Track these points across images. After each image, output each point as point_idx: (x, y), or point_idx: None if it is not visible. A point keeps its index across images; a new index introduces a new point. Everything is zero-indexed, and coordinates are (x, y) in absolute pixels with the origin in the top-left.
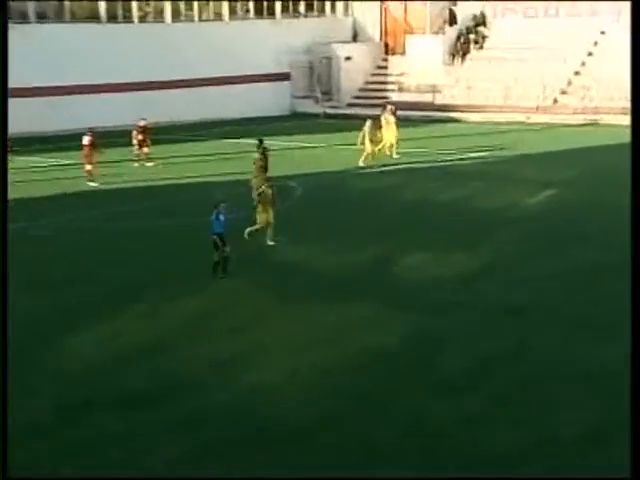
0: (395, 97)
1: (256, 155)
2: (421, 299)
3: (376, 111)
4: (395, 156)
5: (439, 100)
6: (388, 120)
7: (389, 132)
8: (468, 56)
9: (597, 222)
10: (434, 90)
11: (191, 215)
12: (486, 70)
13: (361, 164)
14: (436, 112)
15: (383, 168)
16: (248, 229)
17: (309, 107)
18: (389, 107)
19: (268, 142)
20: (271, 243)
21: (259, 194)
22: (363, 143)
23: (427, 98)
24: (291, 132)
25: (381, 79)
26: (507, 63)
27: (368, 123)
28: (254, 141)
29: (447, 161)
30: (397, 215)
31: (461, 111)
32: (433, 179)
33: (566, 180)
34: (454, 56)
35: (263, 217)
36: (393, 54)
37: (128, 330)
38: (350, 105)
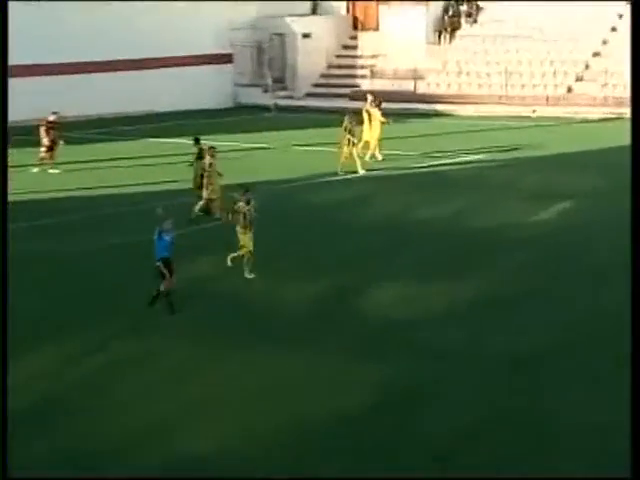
0: (366, 85)
1: (207, 158)
2: (396, 345)
3: (342, 103)
4: (368, 159)
5: (422, 89)
6: (371, 114)
7: (372, 129)
8: (458, 33)
9: (624, 247)
10: (415, 76)
11: (111, 235)
12: (481, 51)
13: (361, 172)
14: (418, 104)
15: (351, 176)
16: (247, 271)
17: (257, 98)
18: (370, 98)
19: (205, 142)
20: (229, 265)
21: (235, 211)
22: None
23: (407, 86)
24: (234, 129)
25: (348, 62)
26: (508, 42)
27: (347, 118)
28: (188, 141)
29: (432, 167)
30: (368, 236)
31: (450, 103)
32: (413, 190)
33: (584, 191)
34: (441, 33)
35: (247, 238)
36: (363, 30)
37: (27, 383)
38: (309, 95)
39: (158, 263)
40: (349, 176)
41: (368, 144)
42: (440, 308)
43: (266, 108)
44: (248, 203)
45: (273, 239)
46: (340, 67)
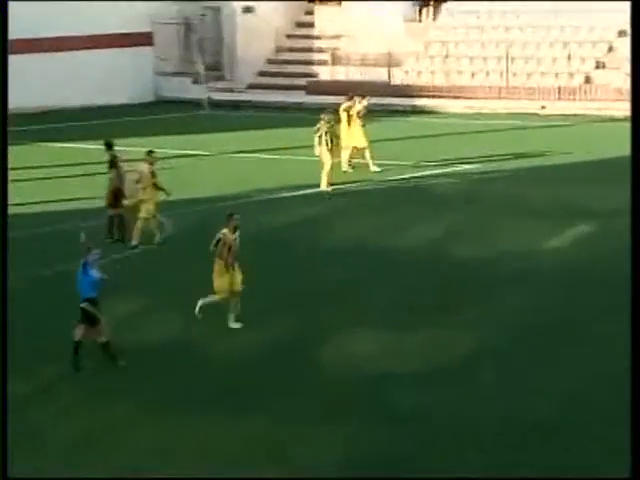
0: (326, 74)
1: (144, 166)
2: (365, 405)
3: (295, 97)
4: (346, 169)
5: (399, 79)
6: (350, 114)
7: (353, 133)
8: (444, 6)
9: None
10: (390, 63)
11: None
12: (475, 29)
13: (324, 187)
14: (393, 98)
15: (311, 191)
16: (200, 301)
17: (184, 90)
18: (352, 94)
19: (119, 147)
20: (235, 326)
21: (217, 242)
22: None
23: (379, 75)
24: (156, 131)
25: (303, 44)
26: (508, 19)
27: (324, 118)
28: (96, 146)
29: (413, 179)
30: (336, 267)
31: (434, 96)
32: (392, 208)
33: (607, 210)
34: (422, 7)
35: (224, 281)
36: (322, 3)
37: None
38: (253, 87)
39: (84, 304)
40: (309, 191)
41: (360, 150)
42: (420, 361)
43: (197, 104)
44: (234, 231)
45: (201, 270)
46: (292, 51)
